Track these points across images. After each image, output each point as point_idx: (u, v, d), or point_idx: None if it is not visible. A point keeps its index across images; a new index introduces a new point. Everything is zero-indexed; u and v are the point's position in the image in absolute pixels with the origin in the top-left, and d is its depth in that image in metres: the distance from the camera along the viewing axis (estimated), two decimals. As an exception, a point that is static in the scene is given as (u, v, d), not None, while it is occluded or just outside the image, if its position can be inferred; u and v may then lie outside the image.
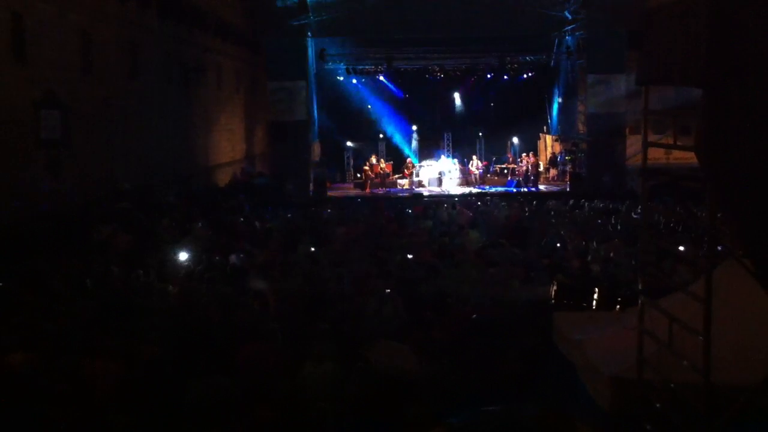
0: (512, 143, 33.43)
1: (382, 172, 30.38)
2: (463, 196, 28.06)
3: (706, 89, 4.84)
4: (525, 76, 33.19)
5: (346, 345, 8.68)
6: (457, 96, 34.99)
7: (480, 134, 33.51)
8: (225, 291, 11.78)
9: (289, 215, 22.34)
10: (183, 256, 14.88)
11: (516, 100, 34.24)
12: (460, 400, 7.08)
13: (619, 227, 18.72)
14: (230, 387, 7.30)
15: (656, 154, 23.51)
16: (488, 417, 6.02)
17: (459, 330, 9.65)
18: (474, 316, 10.26)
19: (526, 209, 23.11)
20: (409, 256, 15.24)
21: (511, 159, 32.06)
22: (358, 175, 31.02)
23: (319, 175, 29.83)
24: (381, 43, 30.95)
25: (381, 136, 33.31)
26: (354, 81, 33.36)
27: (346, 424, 6.71)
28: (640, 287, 6.49)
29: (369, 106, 34.50)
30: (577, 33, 29.48)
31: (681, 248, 14.77)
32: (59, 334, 9.22)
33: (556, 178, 31.98)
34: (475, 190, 29.45)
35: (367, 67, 31.44)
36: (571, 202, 24.41)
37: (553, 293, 11.16)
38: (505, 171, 31.28)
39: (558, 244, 16.69)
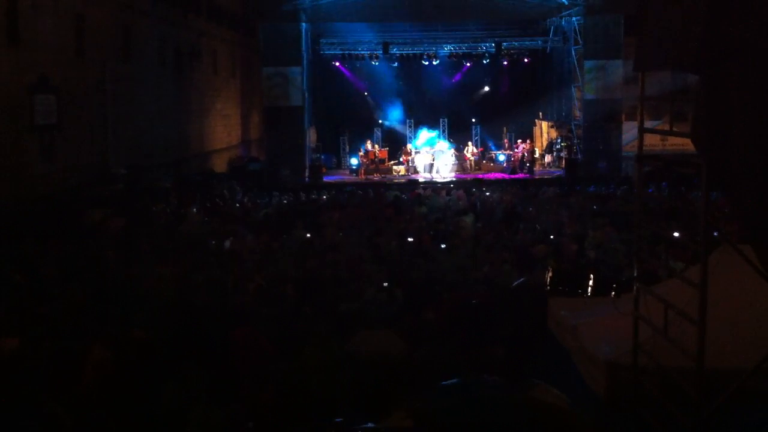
0: (508, 129, 33.30)
1: (377, 158, 30.25)
2: (458, 182, 27.96)
3: (702, 74, 4.82)
4: (521, 61, 33.07)
5: (340, 330, 8.66)
6: (453, 82, 34.80)
7: (475, 120, 33.36)
8: (219, 275, 11.74)
9: (284, 200, 22.27)
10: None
11: (512, 85, 34.12)
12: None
13: (614, 213, 18.69)
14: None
15: (652, 141, 23.71)
16: (471, 394, 5.91)
17: (450, 315, 9.63)
18: (465, 301, 10.22)
19: (522, 195, 23.07)
20: (410, 239, 15.21)
21: (506, 145, 31.94)
22: (354, 162, 30.87)
23: (315, 160, 29.74)
24: (376, 29, 30.79)
25: (380, 122, 33.17)
26: (349, 66, 33.17)
27: (339, 408, 6.69)
28: (635, 273, 6.49)
29: (365, 92, 34.32)
30: (574, 18, 29.35)
31: (676, 234, 14.82)
32: (51, 319, 9.18)
33: (551, 164, 31.92)
34: (470, 177, 29.34)
35: (362, 52, 31.27)
36: (567, 188, 24.38)
37: (548, 279, 11.16)
38: (501, 157, 31.17)
39: (553, 230, 16.68)
